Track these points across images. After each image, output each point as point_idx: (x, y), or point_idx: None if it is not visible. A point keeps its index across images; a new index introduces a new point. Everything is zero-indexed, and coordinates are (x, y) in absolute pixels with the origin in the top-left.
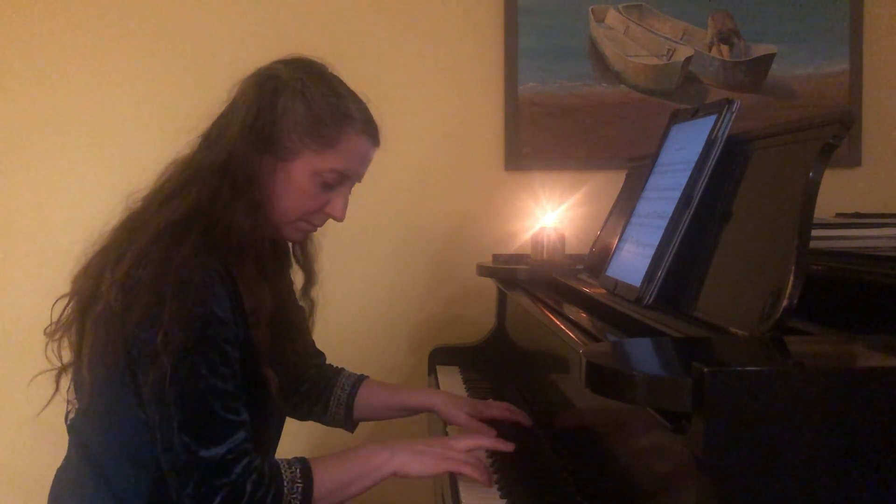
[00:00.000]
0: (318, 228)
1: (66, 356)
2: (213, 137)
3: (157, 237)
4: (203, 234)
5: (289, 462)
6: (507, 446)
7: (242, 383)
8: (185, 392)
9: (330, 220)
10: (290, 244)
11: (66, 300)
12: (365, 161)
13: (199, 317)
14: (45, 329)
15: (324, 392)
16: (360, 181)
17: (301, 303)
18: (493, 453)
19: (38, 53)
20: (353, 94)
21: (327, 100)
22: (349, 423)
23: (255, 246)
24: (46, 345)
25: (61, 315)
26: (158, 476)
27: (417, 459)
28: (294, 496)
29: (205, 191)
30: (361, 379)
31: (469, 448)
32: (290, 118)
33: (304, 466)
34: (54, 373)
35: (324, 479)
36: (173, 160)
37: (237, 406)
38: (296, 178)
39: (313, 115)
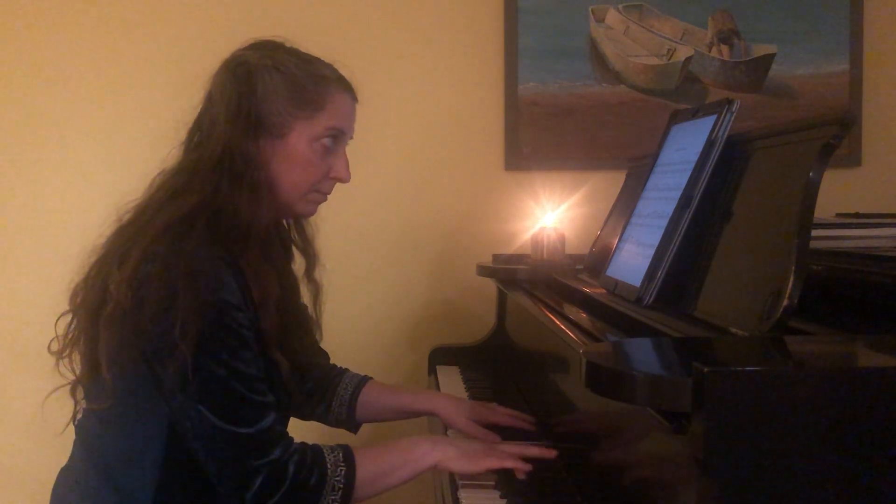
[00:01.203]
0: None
1: (78, 369)
2: (202, 137)
3: (162, 233)
4: (207, 226)
5: (330, 447)
6: (549, 453)
7: (264, 375)
8: (209, 380)
9: (326, 219)
10: (288, 234)
11: (68, 316)
12: (351, 117)
13: (212, 305)
14: (49, 346)
15: (327, 392)
16: (351, 137)
17: (306, 286)
18: None
19: (38, 57)
20: (318, 58)
21: (301, 67)
22: (352, 424)
23: (261, 232)
24: (57, 362)
25: (67, 330)
26: (164, 481)
27: (459, 455)
28: (337, 479)
29: (207, 187)
30: (365, 380)
31: (515, 454)
32: (273, 95)
33: (346, 451)
34: (69, 387)
35: (366, 465)
36: (160, 171)
37: (263, 388)
38: (296, 151)
39: (293, 84)
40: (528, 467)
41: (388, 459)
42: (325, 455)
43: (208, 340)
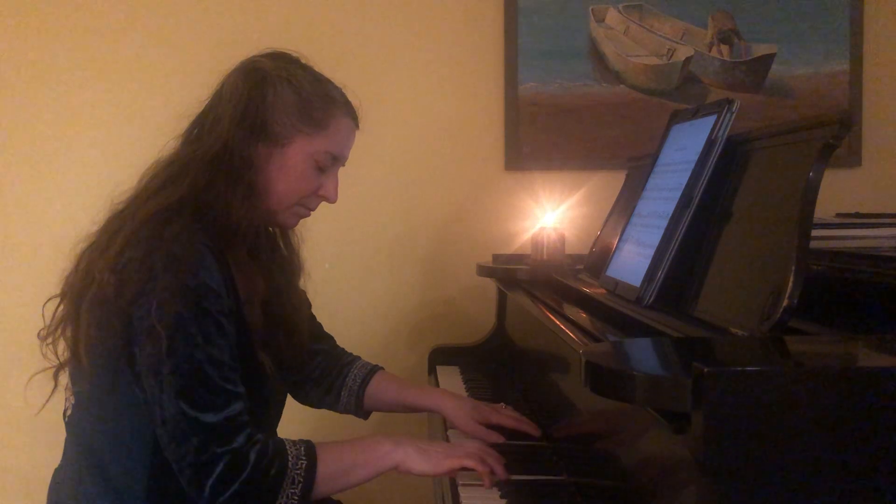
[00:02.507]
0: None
1: (64, 354)
2: (203, 131)
3: (148, 220)
4: (194, 215)
5: (293, 441)
6: (503, 475)
7: (238, 365)
8: (181, 362)
9: (327, 219)
10: (275, 240)
11: (56, 301)
12: (349, 143)
13: (192, 289)
14: (39, 333)
15: (336, 381)
16: (343, 164)
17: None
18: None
19: (36, 49)
20: (330, 80)
21: (312, 85)
22: (361, 413)
23: (250, 231)
24: (41, 347)
25: (54, 315)
26: (155, 470)
27: (420, 456)
28: (297, 472)
29: (199, 180)
30: (374, 371)
31: (475, 454)
32: (282, 105)
33: (308, 446)
34: (52, 371)
35: (327, 461)
36: (155, 161)
37: (234, 377)
38: (292, 163)
39: (303, 100)
40: (487, 470)
41: (349, 457)
42: (287, 448)
43: (185, 323)
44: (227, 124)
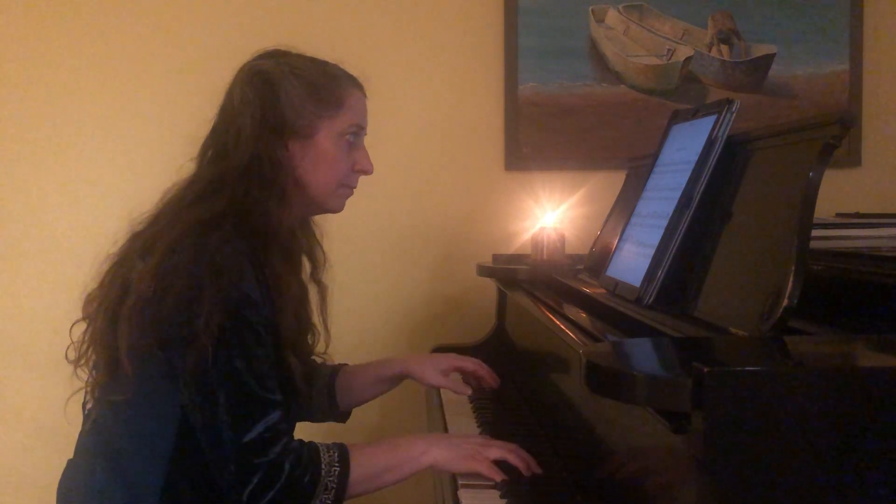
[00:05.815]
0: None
1: (95, 371)
2: (227, 147)
3: (190, 229)
4: (235, 226)
5: (327, 446)
6: (535, 468)
7: (274, 373)
8: (224, 372)
9: (325, 218)
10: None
11: (82, 324)
12: (365, 111)
13: (235, 300)
14: (66, 354)
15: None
16: (366, 134)
17: (314, 288)
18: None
19: (44, 54)
20: (326, 60)
21: (314, 70)
22: (337, 413)
23: (285, 236)
24: (74, 370)
25: (83, 337)
26: (174, 467)
27: (452, 455)
28: (330, 479)
29: (237, 192)
30: (339, 366)
31: (498, 458)
32: (297, 99)
33: (342, 451)
34: (84, 389)
35: (360, 466)
36: (174, 183)
37: (272, 386)
38: (325, 149)
39: (313, 87)
40: (522, 463)
41: (383, 460)
42: (322, 454)
43: (228, 334)
44: (250, 133)
